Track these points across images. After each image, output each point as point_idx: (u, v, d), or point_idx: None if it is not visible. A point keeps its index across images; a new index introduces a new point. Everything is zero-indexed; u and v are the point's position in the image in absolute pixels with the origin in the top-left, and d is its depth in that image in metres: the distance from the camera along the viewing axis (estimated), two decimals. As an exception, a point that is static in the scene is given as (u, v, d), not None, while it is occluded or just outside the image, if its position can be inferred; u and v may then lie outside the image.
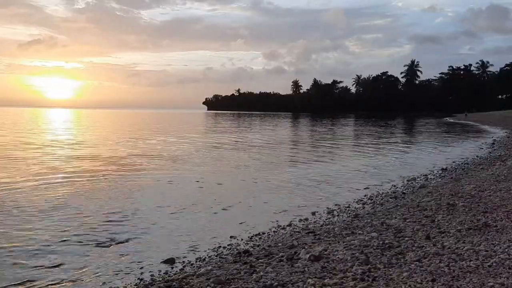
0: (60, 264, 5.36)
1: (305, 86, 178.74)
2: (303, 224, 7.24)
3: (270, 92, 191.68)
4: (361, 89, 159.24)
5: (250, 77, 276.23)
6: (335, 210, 8.29)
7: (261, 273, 4.61)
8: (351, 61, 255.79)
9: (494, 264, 4.37)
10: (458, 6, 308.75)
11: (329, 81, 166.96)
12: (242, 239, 6.47)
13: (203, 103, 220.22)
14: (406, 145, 24.78)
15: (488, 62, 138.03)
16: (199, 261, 5.55)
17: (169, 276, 5.02)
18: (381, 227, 6.20)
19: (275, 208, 8.48)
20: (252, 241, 6.39)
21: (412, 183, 11.18)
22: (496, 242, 5.05)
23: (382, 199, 9.13)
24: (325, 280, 4.20)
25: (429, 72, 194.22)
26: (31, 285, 4.80)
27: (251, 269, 4.83)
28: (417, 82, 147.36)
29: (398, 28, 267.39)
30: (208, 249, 6.02)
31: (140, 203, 8.66)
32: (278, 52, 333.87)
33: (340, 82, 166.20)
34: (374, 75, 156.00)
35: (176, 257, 5.66)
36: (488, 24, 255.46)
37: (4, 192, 9.34)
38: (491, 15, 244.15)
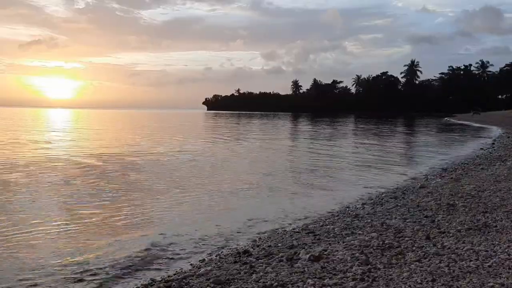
0: (59, 263, 5.35)
1: (305, 86, 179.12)
2: (303, 224, 7.23)
3: (270, 92, 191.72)
4: (361, 89, 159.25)
5: (249, 77, 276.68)
6: (335, 210, 8.28)
7: (261, 273, 4.61)
8: (350, 61, 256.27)
9: (494, 264, 4.36)
10: (458, 6, 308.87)
11: (329, 81, 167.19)
12: (242, 239, 6.47)
13: (203, 103, 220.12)
14: (406, 146, 24.79)
15: (488, 62, 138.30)
16: (198, 261, 5.54)
17: (168, 276, 5.02)
18: (381, 227, 6.19)
19: (275, 209, 8.48)
20: (252, 241, 6.38)
21: (412, 183, 11.17)
22: (496, 242, 5.04)
23: (382, 199, 9.12)
24: (325, 281, 4.20)
25: (428, 72, 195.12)
26: (31, 284, 4.80)
27: (251, 269, 4.83)
28: (417, 82, 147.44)
29: (398, 28, 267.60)
30: (208, 249, 6.02)
31: (140, 203, 8.65)
32: (276, 53, 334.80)
33: (340, 82, 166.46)
34: (374, 75, 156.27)
35: (176, 257, 5.65)
36: (488, 25, 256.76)
37: (4, 191, 9.35)
38: (488, 16, 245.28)
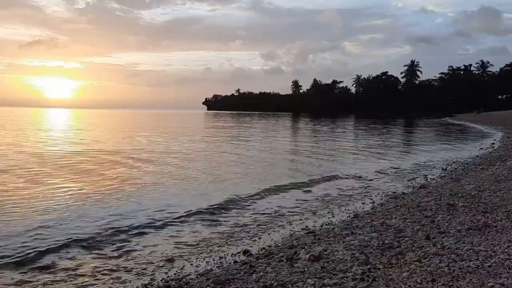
0: (57, 265, 5.35)
1: (304, 86, 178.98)
2: (303, 224, 7.23)
3: (270, 92, 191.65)
4: (361, 89, 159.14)
5: (248, 77, 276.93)
6: (334, 210, 8.29)
7: (261, 273, 4.61)
8: (350, 62, 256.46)
9: (494, 264, 4.36)
10: (458, 7, 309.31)
11: (328, 81, 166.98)
12: (242, 239, 6.47)
13: (203, 103, 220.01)
14: (406, 146, 24.79)
15: (488, 62, 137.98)
16: (198, 260, 5.54)
17: (168, 276, 5.02)
18: (381, 227, 6.19)
19: (275, 208, 8.48)
20: (252, 241, 6.38)
21: (412, 183, 11.17)
22: (496, 242, 5.04)
23: (382, 199, 9.13)
24: (325, 280, 4.20)
25: (428, 72, 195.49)
26: (27, 286, 4.80)
27: (251, 269, 4.83)
28: (417, 82, 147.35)
29: (398, 28, 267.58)
30: (208, 249, 6.01)
31: (140, 204, 8.64)
32: (276, 53, 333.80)
33: (340, 82, 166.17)
34: (374, 75, 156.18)
35: (176, 257, 5.65)
36: (486, 25, 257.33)
37: (4, 191, 9.34)
38: (487, 16, 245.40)
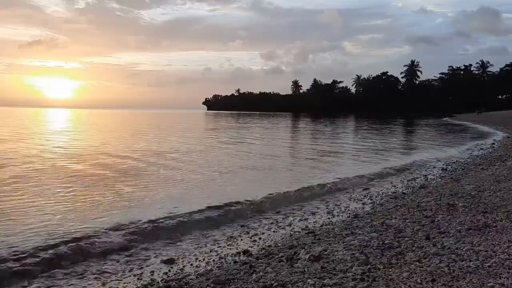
0: (56, 266, 5.35)
1: (304, 86, 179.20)
2: (303, 224, 7.24)
3: (270, 92, 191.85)
4: (361, 89, 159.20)
5: (248, 77, 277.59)
6: (334, 210, 8.29)
7: (261, 273, 4.61)
8: (350, 62, 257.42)
9: (494, 264, 4.37)
10: (458, 7, 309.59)
11: (328, 81, 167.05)
12: (242, 239, 6.47)
13: (203, 103, 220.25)
14: (406, 146, 24.79)
15: (488, 62, 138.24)
16: (198, 261, 5.54)
17: (168, 276, 5.02)
18: (381, 227, 6.19)
19: (275, 209, 8.48)
20: (252, 241, 6.38)
21: (412, 183, 11.16)
22: (496, 242, 5.04)
23: (382, 199, 9.13)
24: (325, 281, 4.20)
25: (427, 72, 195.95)
26: None
27: (251, 269, 4.83)
28: (417, 82, 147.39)
29: (398, 28, 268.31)
30: (208, 249, 6.01)
31: (140, 204, 8.64)
32: (276, 53, 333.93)
33: (340, 82, 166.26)
34: (374, 75, 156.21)
35: (176, 257, 5.65)
36: (486, 25, 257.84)
37: (3, 190, 9.34)
38: (486, 16, 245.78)
